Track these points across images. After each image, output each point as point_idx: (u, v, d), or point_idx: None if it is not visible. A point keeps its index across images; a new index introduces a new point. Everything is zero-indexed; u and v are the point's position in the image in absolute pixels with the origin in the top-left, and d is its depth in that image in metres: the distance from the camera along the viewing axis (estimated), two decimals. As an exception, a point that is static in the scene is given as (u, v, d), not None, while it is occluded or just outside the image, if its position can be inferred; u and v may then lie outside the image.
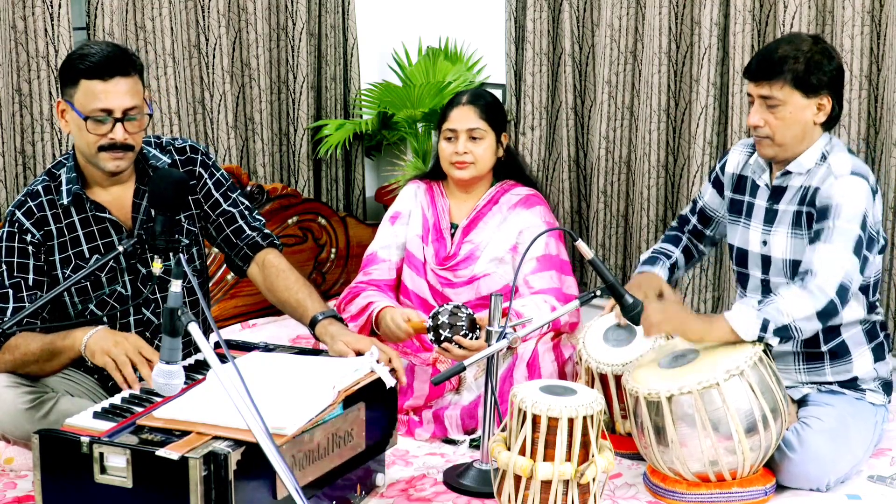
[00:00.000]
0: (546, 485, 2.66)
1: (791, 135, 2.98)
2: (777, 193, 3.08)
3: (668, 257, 3.38)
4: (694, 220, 3.40)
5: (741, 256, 3.19)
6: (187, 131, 4.30)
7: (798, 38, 3.02)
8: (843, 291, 2.85)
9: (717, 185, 3.30)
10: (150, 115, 2.94)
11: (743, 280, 3.22)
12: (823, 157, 3.01)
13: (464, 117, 3.59)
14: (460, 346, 3.23)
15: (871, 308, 3.10)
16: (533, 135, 4.53)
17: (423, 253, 3.67)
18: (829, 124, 3.03)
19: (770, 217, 3.10)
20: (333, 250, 4.61)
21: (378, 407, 2.85)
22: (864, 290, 3.04)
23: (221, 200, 3.16)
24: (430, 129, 4.73)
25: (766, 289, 3.11)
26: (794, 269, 3.03)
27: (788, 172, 3.04)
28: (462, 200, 3.70)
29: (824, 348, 3.07)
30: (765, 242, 3.11)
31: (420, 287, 3.64)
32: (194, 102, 4.37)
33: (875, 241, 2.98)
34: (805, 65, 2.92)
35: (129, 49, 3.02)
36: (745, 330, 2.84)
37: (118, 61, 2.85)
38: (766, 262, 3.12)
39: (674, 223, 3.48)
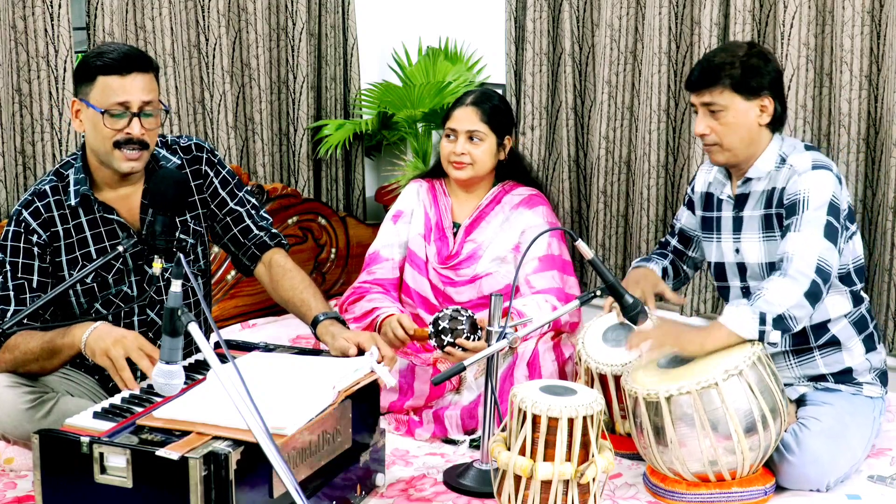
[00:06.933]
0: (546, 485, 2.66)
1: (738, 138, 3.04)
2: (741, 201, 3.15)
3: (662, 258, 3.45)
4: (674, 241, 3.47)
5: (719, 270, 3.25)
6: (187, 131, 4.30)
7: (734, 45, 3.13)
8: (821, 272, 2.88)
9: (690, 205, 3.39)
10: (167, 111, 2.94)
11: (724, 293, 3.28)
12: (782, 160, 3.07)
13: (465, 118, 3.59)
14: (464, 349, 3.23)
15: (858, 300, 3.12)
16: (533, 135, 4.54)
17: (426, 251, 3.67)
18: (776, 125, 3.09)
19: (737, 225, 3.16)
20: (333, 250, 4.61)
21: (364, 404, 2.86)
22: (845, 279, 3.07)
23: (228, 199, 3.16)
24: (430, 129, 4.73)
25: (748, 296, 3.14)
26: (771, 272, 3.06)
27: (749, 179, 3.11)
28: (464, 200, 3.71)
29: (814, 344, 3.11)
30: (737, 250, 3.17)
31: (422, 286, 3.64)
32: (194, 102, 4.37)
33: (846, 227, 3.01)
34: (742, 69, 3.00)
35: (143, 51, 3.04)
36: (744, 329, 2.85)
37: (135, 59, 2.87)
38: (742, 269, 3.18)
39: (656, 248, 3.54)
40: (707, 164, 3.32)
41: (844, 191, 3.02)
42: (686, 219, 3.41)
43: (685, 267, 3.48)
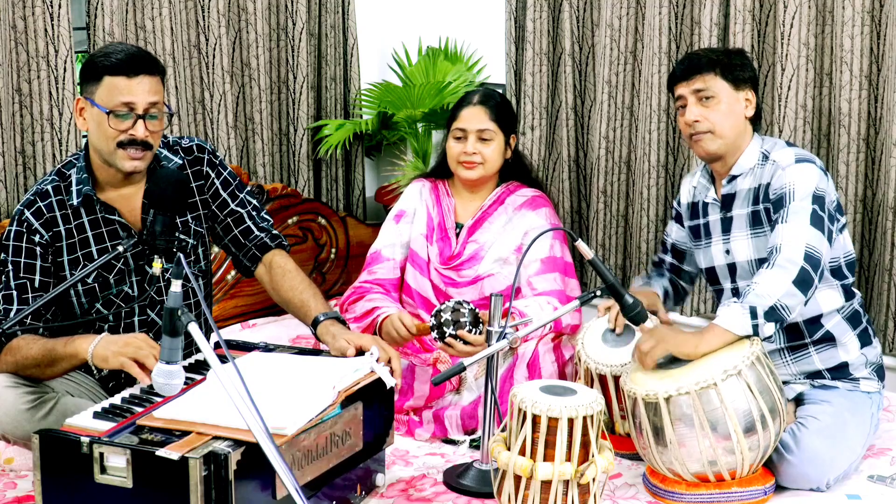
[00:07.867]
0: (546, 485, 2.66)
1: (730, 125, 3.09)
2: (727, 202, 3.17)
3: (660, 277, 3.48)
4: (668, 258, 3.49)
5: (711, 274, 3.28)
6: (187, 131, 4.30)
7: (713, 48, 3.26)
8: (810, 259, 2.88)
9: (678, 219, 3.42)
10: (171, 116, 2.94)
11: (718, 295, 3.31)
12: (765, 157, 3.11)
13: (474, 117, 3.58)
14: (464, 342, 3.22)
15: (850, 294, 3.13)
16: (533, 135, 4.54)
17: (427, 252, 3.66)
18: (756, 122, 3.16)
19: (726, 226, 3.18)
20: (333, 250, 4.61)
21: (375, 406, 2.86)
22: (837, 273, 3.08)
23: (229, 200, 3.16)
24: (430, 129, 4.73)
25: (738, 295, 3.15)
26: (760, 268, 3.07)
27: (734, 178, 3.14)
28: (468, 200, 3.70)
29: (808, 339, 3.12)
30: (728, 252, 3.19)
31: (423, 286, 3.64)
32: (194, 102, 4.37)
33: (835, 219, 3.04)
34: (728, 59, 3.12)
35: (151, 53, 3.04)
36: (736, 325, 2.85)
37: (143, 60, 2.88)
38: (732, 270, 3.20)
39: (650, 268, 3.55)
40: (687, 176, 3.36)
41: (830, 183, 3.05)
42: (676, 233, 3.43)
43: (682, 283, 3.50)
